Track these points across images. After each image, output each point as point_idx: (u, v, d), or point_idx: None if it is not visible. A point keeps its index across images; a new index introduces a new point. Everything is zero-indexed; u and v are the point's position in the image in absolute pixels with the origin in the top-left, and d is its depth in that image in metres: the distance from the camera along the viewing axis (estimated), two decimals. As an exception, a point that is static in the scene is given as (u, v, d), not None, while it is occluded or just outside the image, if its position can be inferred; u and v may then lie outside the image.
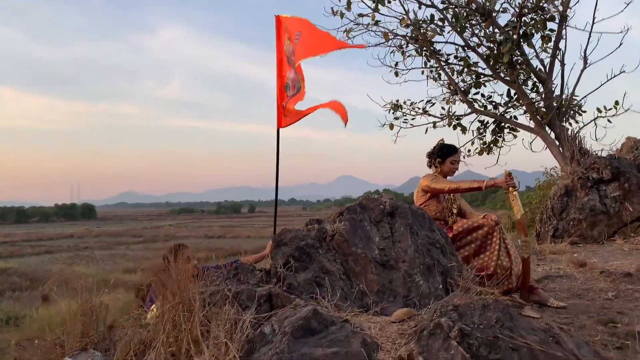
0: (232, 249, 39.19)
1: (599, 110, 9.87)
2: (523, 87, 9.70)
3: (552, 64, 9.45)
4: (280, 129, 4.27)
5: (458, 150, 4.39)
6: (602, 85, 9.77)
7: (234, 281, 3.05)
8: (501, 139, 10.66)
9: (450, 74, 10.23)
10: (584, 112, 10.12)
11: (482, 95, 10.38)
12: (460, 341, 2.20)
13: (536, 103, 9.75)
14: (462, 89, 10.25)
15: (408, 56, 10.36)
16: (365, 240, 3.19)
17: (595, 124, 9.80)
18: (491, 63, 9.42)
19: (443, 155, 4.35)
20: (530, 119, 9.79)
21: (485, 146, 10.93)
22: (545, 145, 9.59)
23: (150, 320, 3.38)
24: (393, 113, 10.71)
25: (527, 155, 11.06)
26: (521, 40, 8.90)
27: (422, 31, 9.69)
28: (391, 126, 10.83)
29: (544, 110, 9.59)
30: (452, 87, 10.55)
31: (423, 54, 10.37)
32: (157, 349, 2.60)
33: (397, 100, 10.71)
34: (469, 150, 11.11)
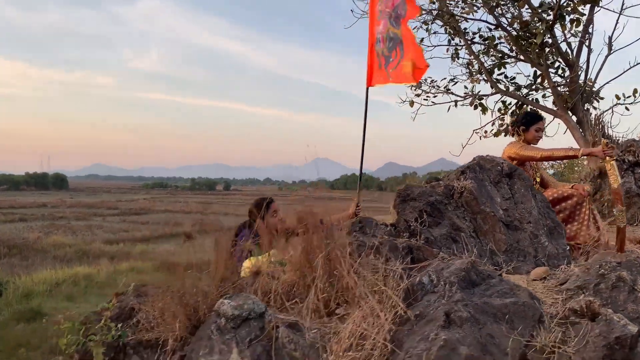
0: (213, 224, 38.90)
1: (617, 97, 9.96)
2: (549, 70, 9.72)
3: (579, 48, 9.48)
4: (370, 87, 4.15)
5: (543, 119, 4.35)
6: (624, 72, 9.87)
7: (360, 234, 2.96)
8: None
9: (475, 52, 10.18)
10: (602, 98, 10.22)
11: (506, 76, 10.38)
12: (650, 294, 2.16)
13: (560, 87, 9.79)
14: (487, 68, 10.22)
15: (433, 33, 10.28)
16: (489, 199, 3.12)
17: (613, 111, 9.91)
18: (522, 44, 9.39)
19: (527, 122, 4.31)
20: (553, 103, 9.83)
21: (503, 128, 10.95)
22: (567, 129, 9.66)
23: (246, 271, 3.28)
24: (414, 90, 10.64)
25: (543, 140, 11.14)
26: (556, 21, 8.89)
27: (449, 7, 9.60)
28: (411, 103, 10.77)
29: (568, 94, 9.64)
30: (473, 67, 10.51)
31: (448, 32, 10.29)
32: (309, 295, 2.51)
33: (420, 77, 10.63)
34: (486, 132, 11.13)
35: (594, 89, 9.98)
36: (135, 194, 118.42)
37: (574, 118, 9.60)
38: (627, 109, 9.92)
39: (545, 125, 10.66)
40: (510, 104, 10.59)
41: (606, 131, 9.41)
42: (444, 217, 2.97)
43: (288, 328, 2.36)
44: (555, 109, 9.77)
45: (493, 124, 10.77)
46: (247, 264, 3.55)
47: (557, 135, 10.51)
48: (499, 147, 12.02)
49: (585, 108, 9.66)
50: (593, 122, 9.53)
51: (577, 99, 9.49)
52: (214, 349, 2.29)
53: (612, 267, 2.35)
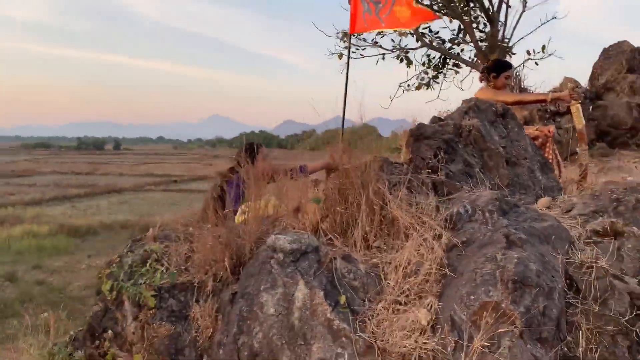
0: (109, 186, 37.11)
1: (528, 52, 10.73)
2: (472, 25, 10.22)
3: (499, 4, 10.04)
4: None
5: (512, 67, 4.63)
6: (535, 29, 10.63)
7: (381, 173, 3.04)
8: (443, 75, 11.21)
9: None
10: (514, 54, 10.95)
11: (430, 30, 10.76)
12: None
13: (480, 42, 10.35)
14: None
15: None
16: (489, 137, 3.33)
17: (524, 66, 10.68)
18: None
19: (498, 69, 4.57)
20: (475, 57, 10.39)
21: (424, 82, 11.42)
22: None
23: (240, 217, 3.28)
24: (343, 42, 10.72)
25: (461, 94, 11.78)
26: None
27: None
28: (340, 56, 10.86)
29: (488, 48, 10.22)
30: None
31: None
32: (357, 229, 2.57)
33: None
34: (408, 85, 11.55)
35: (509, 45, 10.65)
36: (14, 154, 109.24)
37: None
38: (536, 64, 10.72)
39: (461, 79, 11.18)
40: (434, 57, 11.04)
41: (522, 85, 10.14)
42: (457, 154, 3.13)
43: (343, 260, 2.42)
44: (475, 63, 10.33)
45: (418, 77, 11.19)
46: (239, 212, 3.52)
47: (474, 88, 11.14)
48: (422, 99, 12.54)
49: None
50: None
51: (497, 54, 10.08)
52: (276, 283, 2.30)
53: (630, 190, 2.64)
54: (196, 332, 2.49)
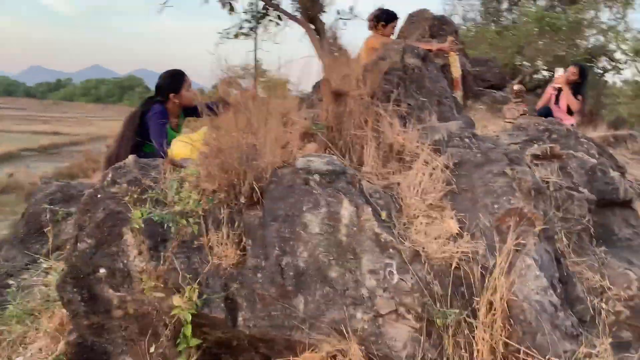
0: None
1: (337, 12, 11.52)
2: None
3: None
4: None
5: (398, 18, 5.05)
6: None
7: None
8: (263, 27, 11.30)
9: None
10: (325, 12, 11.64)
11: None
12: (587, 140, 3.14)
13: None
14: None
15: None
16: (426, 77, 3.70)
17: (331, 26, 11.43)
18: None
19: (388, 19, 4.95)
20: (299, 10, 10.72)
21: (243, 30, 11.39)
22: (309, 38, 10.73)
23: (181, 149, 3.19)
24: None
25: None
26: None
27: None
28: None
29: (310, 3, 10.64)
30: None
31: None
32: (369, 152, 2.71)
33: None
34: (227, 33, 11.40)
35: (324, 2, 11.25)
36: None
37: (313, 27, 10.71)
38: (344, 23, 11.57)
39: (276, 32, 11.44)
40: (257, 6, 11.03)
41: (338, 41, 10.83)
42: (407, 90, 3.41)
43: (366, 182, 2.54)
44: (298, 17, 10.67)
45: (241, 27, 11.09)
46: (179, 143, 3.31)
47: (289, 42, 11.52)
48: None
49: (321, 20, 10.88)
50: (327, 32, 10.82)
51: (317, 9, 10.58)
52: (319, 203, 2.32)
53: (557, 122, 3.26)
54: (218, 260, 2.35)
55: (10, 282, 3.09)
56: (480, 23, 20.74)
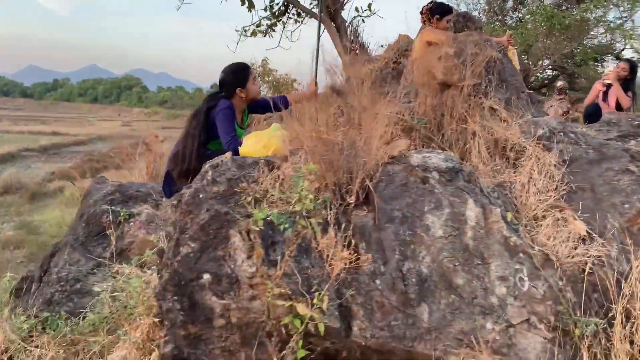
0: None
1: (357, 9, 11.32)
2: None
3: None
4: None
5: (453, 11, 4.87)
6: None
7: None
8: (282, 24, 11.08)
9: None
10: (343, 9, 11.43)
11: (274, -25, 10.50)
12: None
13: (319, -6, 10.49)
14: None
15: None
16: (507, 70, 3.52)
17: (352, 23, 11.26)
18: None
19: (443, 13, 4.76)
20: (318, 7, 10.49)
21: (261, 29, 11.18)
22: (324, 31, 10.50)
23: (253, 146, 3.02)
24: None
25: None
26: None
27: None
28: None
29: (330, 1, 10.44)
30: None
31: None
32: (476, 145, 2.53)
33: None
34: (245, 30, 11.19)
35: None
36: None
37: (334, 25, 10.51)
38: (363, 21, 11.37)
39: (292, 30, 11.26)
40: (277, 3, 10.82)
41: (360, 39, 10.66)
42: (491, 83, 3.23)
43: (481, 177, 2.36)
44: (318, 13, 10.43)
45: (259, 24, 10.88)
46: (252, 139, 3.13)
47: (302, 40, 11.29)
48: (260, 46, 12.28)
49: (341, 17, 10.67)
50: (348, 30, 10.64)
51: (338, 6, 10.38)
52: (441, 203, 2.14)
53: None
54: (329, 265, 2.16)
55: (79, 286, 2.90)
56: (485, 21, 20.61)
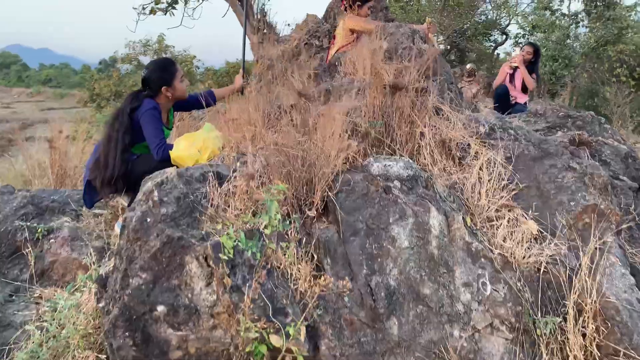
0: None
1: (261, -10, 11.05)
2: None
3: None
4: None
5: (376, -1, 4.82)
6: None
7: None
8: (184, 2, 10.50)
9: None
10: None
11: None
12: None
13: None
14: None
15: None
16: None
17: (257, 2, 10.97)
18: None
19: (364, 0, 4.71)
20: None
21: (157, 5, 10.55)
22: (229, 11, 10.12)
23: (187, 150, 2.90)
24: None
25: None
26: None
27: None
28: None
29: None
30: None
31: None
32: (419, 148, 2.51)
33: None
34: (143, 8, 10.52)
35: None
36: None
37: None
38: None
39: (194, 8, 10.81)
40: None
41: (267, 20, 10.40)
42: (430, 78, 3.23)
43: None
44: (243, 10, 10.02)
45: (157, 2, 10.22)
46: (185, 142, 2.94)
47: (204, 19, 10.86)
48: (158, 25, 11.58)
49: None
50: (255, 10, 10.33)
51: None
52: (405, 213, 2.10)
53: (565, 109, 3.24)
54: (293, 284, 2.05)
55: (-4, 319, 2.55)
56: (382, -2, 20.97)
